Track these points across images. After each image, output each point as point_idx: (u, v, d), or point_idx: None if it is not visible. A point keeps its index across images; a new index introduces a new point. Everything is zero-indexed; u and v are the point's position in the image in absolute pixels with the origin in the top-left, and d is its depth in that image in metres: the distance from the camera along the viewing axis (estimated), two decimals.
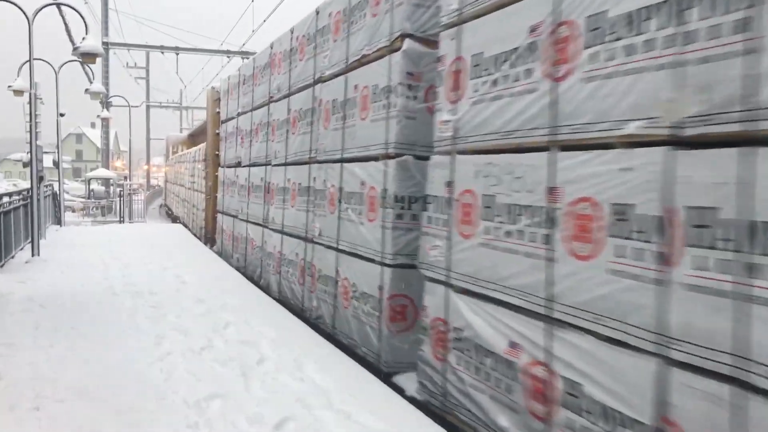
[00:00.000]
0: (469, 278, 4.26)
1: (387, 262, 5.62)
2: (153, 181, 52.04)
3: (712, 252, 2.55)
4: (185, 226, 20.62)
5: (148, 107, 45.77)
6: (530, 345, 3.64)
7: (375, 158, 5.94)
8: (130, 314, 7.32)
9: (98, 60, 13.97)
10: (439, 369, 4.62)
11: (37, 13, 11.91)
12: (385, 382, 5.35)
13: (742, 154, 2.46)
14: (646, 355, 2.86)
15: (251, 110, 11.14)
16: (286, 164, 8.88)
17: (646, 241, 2.86)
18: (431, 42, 5.32)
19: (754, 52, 2.43)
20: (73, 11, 13.62)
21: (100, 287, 8.94)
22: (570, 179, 3.34)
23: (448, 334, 4.51)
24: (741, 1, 2.49)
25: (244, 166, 11.57)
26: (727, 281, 2.50)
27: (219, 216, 13.88)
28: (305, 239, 7.89)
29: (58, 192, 20.07)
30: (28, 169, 13.19)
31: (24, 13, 11.75)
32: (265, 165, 10.00)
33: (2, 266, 10.56)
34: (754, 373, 2.39)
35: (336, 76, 7.07)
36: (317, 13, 7.83)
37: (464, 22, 4.46)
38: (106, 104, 28.79)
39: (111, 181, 31.25)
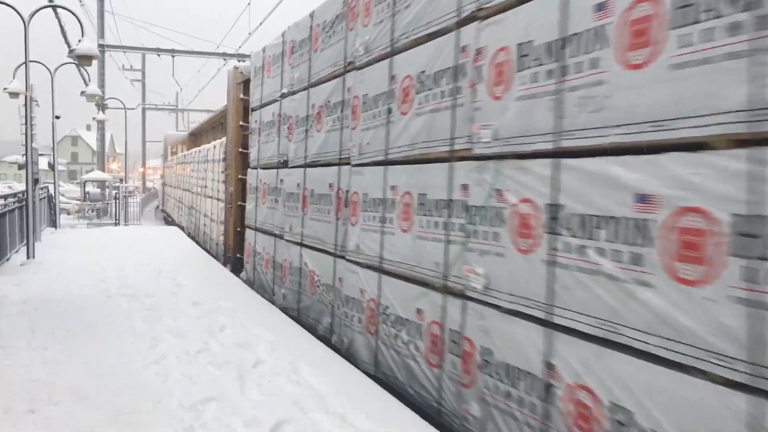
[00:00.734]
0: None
1: None
2: (149, 184, 51.97)
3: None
4: (193, 239, 17.76)
5: (144, 110, 45.74)
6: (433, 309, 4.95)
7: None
8: (125, 316, 7.32)
9: (94, 62, 13.96)
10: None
11: (33, 16, 11.91)
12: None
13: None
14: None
15: (307, 87, 7.90)
16: (386, 163, 5.72)
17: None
18: None
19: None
20: (69, 13, 13.61)
21: (95, 290, 8.92)
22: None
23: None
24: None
25: (294, 167, 8.31)
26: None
27: (249, 233, 10.52)
28: (446, 290, 4.72)
29: (53, 194, 20.03)
30: (23, 172, 13.17)
31: (20, 15, 11.74)
32: (338, 165, 6.88)
33: None
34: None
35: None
36: None
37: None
38: (102, 106, 28.72)
39: (107, 183, 31.16)
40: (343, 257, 6.56)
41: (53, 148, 20.31)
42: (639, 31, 3.06)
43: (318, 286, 7.36)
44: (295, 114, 8.30)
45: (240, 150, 11.71)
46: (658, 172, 2.93)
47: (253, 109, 10.54)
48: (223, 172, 13.01)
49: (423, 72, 5.09)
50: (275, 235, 9.05)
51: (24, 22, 11.74)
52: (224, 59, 29.69)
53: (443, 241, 4.72)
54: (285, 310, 8.25)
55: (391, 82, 5.62)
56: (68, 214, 27.51)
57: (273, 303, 8.69)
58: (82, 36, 12.14)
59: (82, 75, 21.91)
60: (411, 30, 5.32)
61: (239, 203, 11.67)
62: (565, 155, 3.53)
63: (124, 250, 13.60)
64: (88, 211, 27.86)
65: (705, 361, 2.67)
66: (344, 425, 4.34)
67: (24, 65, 12.26)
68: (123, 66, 39.79)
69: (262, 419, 4.39)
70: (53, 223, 19.63)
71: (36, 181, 12.85)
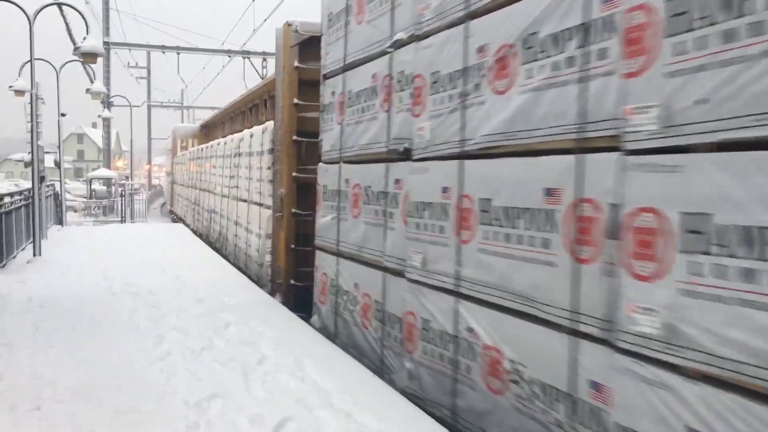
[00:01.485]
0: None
1: None
2: (155, 181, 52.09)
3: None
4: (218, 251, 14.07)
5: (149, 107, 45.77)
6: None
7: None
8: (129, 314, 7.32)
9: (99, 60, 13.98)
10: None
11: (38, 13, 11.92)
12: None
13: None
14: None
15: (466, 17, 4.56)
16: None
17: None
18: None
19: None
20: (75, 11, 13.62)
21: (100, 288, 8.93)
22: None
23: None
24: None
25: (432, 158, 4.98)
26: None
27: (325, 258, 7.14)
28: None
29: (59, 192, 20.08)
30: (29, 169, 13.19)
31: (25, 13, 11.75)
32: (574, 152, 3.57)
33: (4, 266, 10.56)
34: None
35: None
36: None
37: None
38: (108, 104, 28.79)
39: (112, 180, 31.24)
40: (605, 342, 3.24)
41: (59, 146, 20.34)
42: None
43: (514, 382, 3.96)
44: (431, 69, 4.94)
45: (294, 138, 8.80)
46: None
47: (325, 77, 7.24)
48: (269, 167, 9.79)
49: None
50: (385, 269, 5.73)
51: (29, 20, 11.74)
52: (229, 56, 29.70)
53: None
54: (417, 398, 5.01)
55: None
56: (74, 211, 27.61)
57: (380, 375, 5.56)
58: (87, 34, 12.16)
59: (87, 73, 21.94)
60: None
61: (293, 211, 8.81)
62: None
63: (130, 248, 13.61)
64: (94, 209, 27.95)
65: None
66: (349, 422, 4.32)
67: (29, 63, 12.27)
68: (128, 63, 39.85)
69: (266, 416, 4.38)
70: (59, 221, 19.69)
71: (42, 179, 12.87)
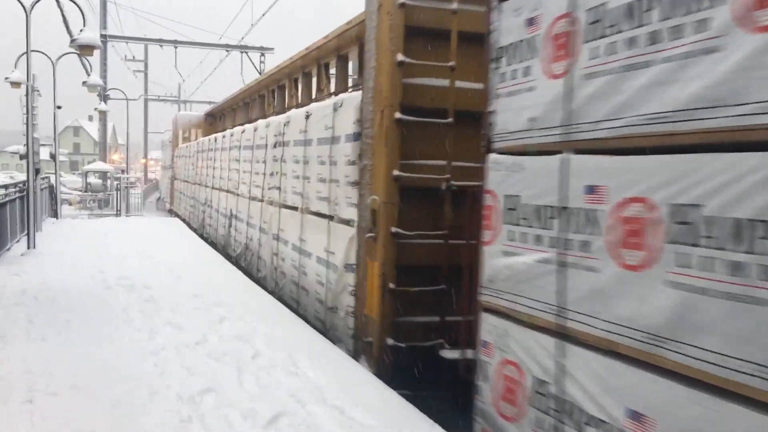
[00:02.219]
0: None
1: None
2: (151, 175, 51.98)
3: None
4: (246, 272, 10.62)
5: (146, 101, 45.66)
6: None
7: None
8: (123, 308, 7.30)
9: (96, 53, 13.93)
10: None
11: (34, 5, 11.86)
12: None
13: None
14: None
15: None
16: None
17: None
18: None
19: None
20: (72, 3, 13.56)
21: (95, 281, 8.91)
22: None
23: None
24: None
25: None
26: None
27: (513, 331, 3.77)
28: None
29: (54, 185, 20.02)
30: (24, 162, 13.15)
31: (22, 5, 11.70)
32: None
33: None
34: None
35: None
36: None
37: None
38: (104, 97, 28.67)
39: (108, 174, 31.14)
40: None
41: (55, 139, 20.28)
42: None
43: None
44: None
45: (398, 116, 5.70)
46: None
47: None
48: (351, 162, 6.54)
49: None
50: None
51: (26, 12, 11.69)
52: (227, 51, 29.60)
53: None
54: None
55: None
56: (69, 204, 27.52)
57: None
58: (84, 26, 12.10)
59: (84, 65, 21.86)
60: None
61: (393, 230, 5.69)
62: None
63: (125, 241, 13.58)
64: (89, 202, 27.87)
65: None
66: (342, 418, 4.33)
67: (25, 55, 12.22)
68: (125, 57, 39.73)
69: (259, 411, 4.38)
70: (54, 214, 19.64)
71: (37, 172, 12.84)
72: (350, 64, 9.76)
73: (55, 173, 20.40)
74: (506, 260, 3.81)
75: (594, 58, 3.18)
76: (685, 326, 2.64)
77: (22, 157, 16.66)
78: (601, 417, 3.05)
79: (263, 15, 22.73)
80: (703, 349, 2.56)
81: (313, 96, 10.21)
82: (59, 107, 19.08)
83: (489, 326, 3.98)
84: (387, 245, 5.65)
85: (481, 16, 4.51)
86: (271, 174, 9.71)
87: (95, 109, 29.02)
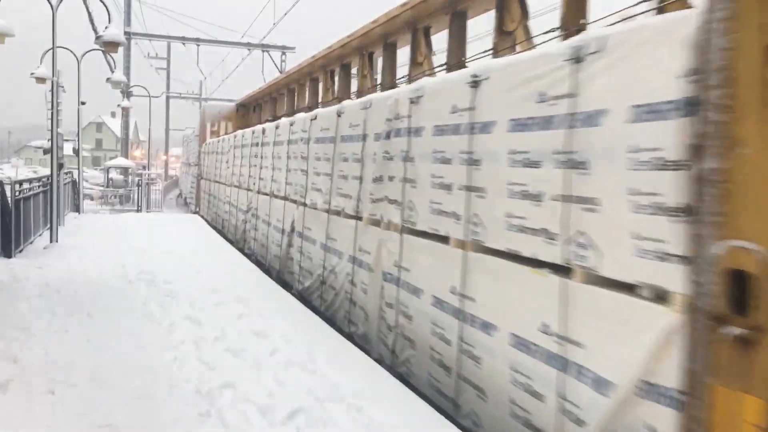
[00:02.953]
0: None
1: None
2: (171, 172, 52.37)
3: None
4: (320, 313, 7.81)
5: (168, 98, 46.00)
6: None
7: None
8: (144, 302, 7.37)
9: (120, 50, 14.05)
10: None
11: (61, 2, 12.00)
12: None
13: None
14: None
15: None
16: None
17: None
18: None
19: None
20: (97, 0, 13.71)
21: (116, 275, 9.00)
22: None
23: None
24: None
25: None
26: None
27: None
28: None
29: (77, 180, 20.24)
30: (48, 157, 13.31)
31: (48, 2, 11.84)
32: None
33: (21, 251, 10.67)
34: None
35: None
36: None
37: None
38: (127, 94, 28.97)
39: (130, 170, 31.45)
40: None
41: (78, 134, 20.52)
42: None
43: None
44: None
45: None
46: None
47: None
48: (674, 165, 3.04)
49: None
50: None
51: (52, 8, 11.84)
52: (248, 49, 29.78)
53: None
54: None
55: None
56: (91, 199, 27.83)
57: None
58: (109, 23, 12.21)
59: (108, 62, 22.08)
60: None
61: None
62: None
63: (146, 236, 13.70)
64: (110, 197, 28.15)
65: None
66: (359, 415, 4.33)
67: (51, 51, 12.37)
68: (148, 54, 40.07)
69: (277, 407, 4.40)
70: (76, 208, 19.85)
71: (60, 166, 12.97)
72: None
73: (78, 168, 20.62)
74: None
75: None
76: None
77: (45, 152, 16.84)
78: None
79: (285, 14, 22.84)
80: None
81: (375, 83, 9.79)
82: (83, 103, 19.31)
83: None
84: None
85: None
86: (376, 179, 6.49)
87: (118, 105, 29.34)
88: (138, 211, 24.09)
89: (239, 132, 14.96)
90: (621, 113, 3.31)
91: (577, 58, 3.65)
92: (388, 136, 6.19)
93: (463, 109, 4.83)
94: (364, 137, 6.87)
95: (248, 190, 13.27)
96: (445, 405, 4.88)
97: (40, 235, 12.55)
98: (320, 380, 4.97)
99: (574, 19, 5.60)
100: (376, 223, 6.45)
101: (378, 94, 7.15)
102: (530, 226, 4.00)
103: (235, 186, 14.88)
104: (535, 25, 6.66)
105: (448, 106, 5.05)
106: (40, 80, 16.08)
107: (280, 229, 10.31)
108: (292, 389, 4.74)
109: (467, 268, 4.73)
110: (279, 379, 4.94)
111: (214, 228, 16.53)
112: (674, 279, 2.92)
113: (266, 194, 11.61)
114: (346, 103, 7.94)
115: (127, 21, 30.54)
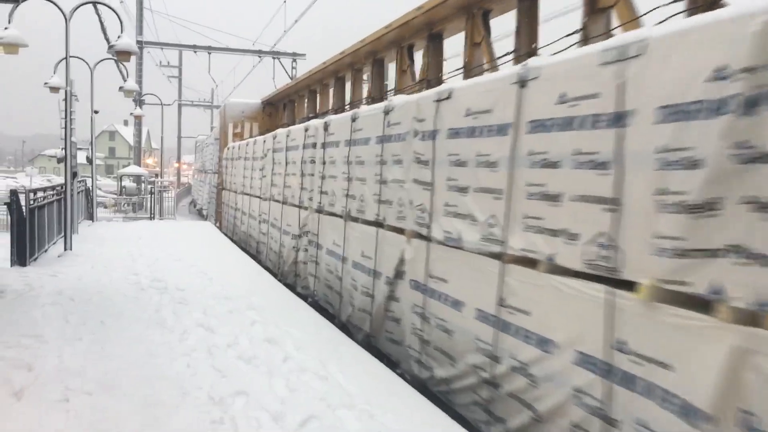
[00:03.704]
0: None
1: None
2: (183, 179, 52.66)
3: None
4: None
5: (179, 106, 46.31)
6: None
7: None
8: (156, 309, 7.39)
9: (132, 58, 14.15)
10: None
11: (74, 11, 12.11)
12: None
13: None
14: None
15: None
16: None
17: None
18: None
19: None
20: (109, 10, 13.82)
21: (129, 282, 9.04)
22: None
23: None
24: None
25: None
26: None
27: None
28: None
29: (91, 188, 20.38)
30: (61, 165, 13.41)
31: (62, 11, 11.95)
32: None
33: (35, 259, 10.74)
34: None
35: None
36: None
37: None
38: (140, 102, 29.16)
39: (142, 178, 31.64)
40: None
41: (92, 143, 20.65)
42: None
43: None
44: None
45: None
46: None
47: None
48: None
49: None
50: None
51: (65, 18, 11.94)
52: (259, 56, 29.90)
53: None
54: None
55: None
56: (105, 207, 28.01)
57: None
58: (122, 32, 12.31)
59: (120, 71, 22.25)
60: None
61: None
62: None
63: (159, 244, 13.76)
64: (124, 205, 28.31)
65: None
66: (372, 423, 4.32)
67: (65, 60, 12.48)
68: (160, 62, 40.37)
69: (289, 414, 4.39)
70: (90, 216, 19.98)
71: (74, 175, 13.07)
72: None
73: (92, 177, 20.76)
74: None
75: None
76: None
77: (59, 161, 16.96)
78: None
79: (296, 21, 22.93)
80: None
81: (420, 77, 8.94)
82: (96, 112, 19.44)
83: None
84: None
85: None
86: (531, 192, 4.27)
87: (131, 113, 29.52)
88: (151, 218, 24.21)
89: (282, 131, 11.62)
90: None
91: None
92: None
93: None
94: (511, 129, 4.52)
95: (299, 207, 10.02)
96: None
97: (54, 243, 12.64)
98: (332, 387, 4.96)
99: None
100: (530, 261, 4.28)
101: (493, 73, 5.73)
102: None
103: (276, 201, 11.78)
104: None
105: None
106: (54, 90, 16.25)
107: (370, 270, 6.98)
108: (305, 394, 4.74)
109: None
110: (291, 386, 4.94)
111: (244, 251, 13.88)
112: None
113: (334, 215, 8.27)
114: (484, 78, 5.51)
115: (139, 30, 30.77)
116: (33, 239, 10.69)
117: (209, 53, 30.46)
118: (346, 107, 12.26)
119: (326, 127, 8.83)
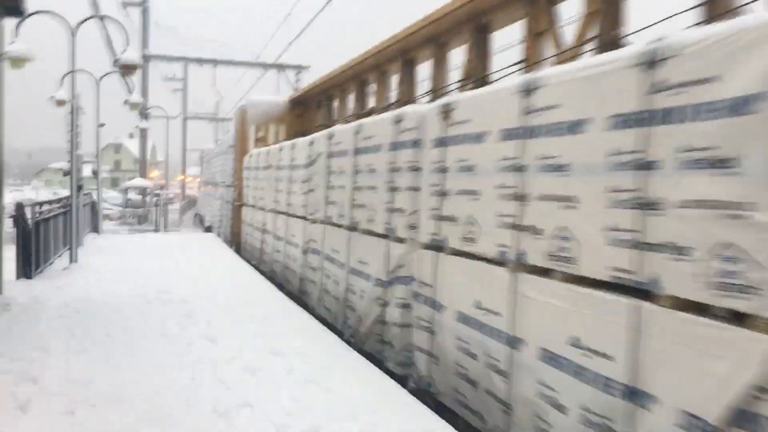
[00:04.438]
0: None
1: None
2: (188, 191, 52.80)
3: None
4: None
5: (185, 119, 46.50)
6: None
7: None
8: (161, 322, 7.41)
9: (138, 71, 14.24)
10: None
11: (80, 26, 12.21)
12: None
13: None
14: None
15: None
16: None
17: None
18: None
19: None
20: (116, 23, 13.92)
21: (133, 295, 9.06)
22: None
23: None
24: None
25: None
26: None
27: None
28: None
29: (96, 200, 20.47)
30: (67, 178, 13.48)
31: (69, 25, 12.05)
32: None
33: (41, 272, 10.79)
34: None
35: None
36: None
37: None
38: (145, 115, 29.32)
39: (147, 190, 31.76)
40: None
41: (97, 156, 20.76)
42: None
43: None
44: None
45: None
46: None
47: None
48: None
49: None
50: None
51: (72, 32, 12.04)
52: (264, 69, 30.07)
53: None
54: None
55: None
56: (110, 219, 28.11)
57: None
58: (127, 46, 12.41)
59: (126, 84, 22.40)
60: None
61: None
62: None
63: (164, 256, 13.79)
64: (129, 218, 28.41)
65: None
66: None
67: (70, 74, 12.57)
68: (165, 76, 40.60)
69: (294, 426, 4.40)
70: (96, 229, 20.05)
71: (80, 188, 13.14)
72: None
73: (98, 189, 20.85)
74: None
75: None
76: None
77: (65, 174, 17.03)
78: None
79: (299, 35, 23.03)
80: None
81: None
82: (102, 125, 19.55)
83: None
84: None
85: None
86: None
87: (136, 126, 29.69)
88: (156, 230, 24.28)
89: (345, 127, 8.36)
90: None
91: None
92: None
93: None
94: None
95: (388, 237, 6.55)
96: None
97: (59, 256, 12.69)
98: (336, 399, 4.96)
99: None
100: None
101: None
102: None
103: (336, 224, 8.29)
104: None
105: None
106: (60, 103, 16.35)
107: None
108: (309, 406, 4.75)
109: None
110: (296, 398, 4.95)
111: (278, 285, 10.76)
112: None
113: (475, 257, 4.97)
114: None
115: (145, 43, 30.98)
116: (38, 252, 10.74)
117: (214, 66, 30.67)
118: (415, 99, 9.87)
119: (447, 112, 5.47)
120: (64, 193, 24.14)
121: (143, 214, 28.80)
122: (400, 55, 10.21)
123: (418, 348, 5.87)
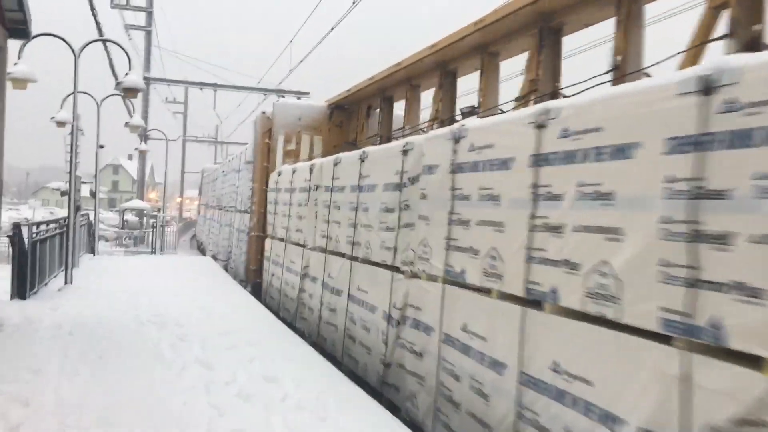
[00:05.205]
0: None
1: None
2: (185, 214, 52.82)
3: None
4: None
5: (184, 141, 46.68)
6: None
7: None
8: (155, 344, 7.37)
9: (139, 94, 14.32)
10: None
11: (83, 49, 12.31)
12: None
13: None
14: None
15: None
16: None
17: None
18: None
19: None
20: (118, 47, 14.04)
21: (128, 317, 9.02)
22: None
23: None
24: None
25: None
26: None
27: None
28: None
29: (93, 221, 20.44)
30: (65, 198, 13.48)
31: (71, 48, 12.15)
32: None
33: (35, 293, 10.74)
34: None
35: None
36: None
37: None
38: (145, 137, 29.42)
39: (145, 212, 31.75)
40: None
41: (96, 177, 20.77)
42: None
43: None
44: None
45: None
46: None
47: None
48: None
49: None
50: None
51: (74, 54, 12.14)
52: (264, 94, 30.28)
53: None
54: None
55: None
56: (106, 240, 28.05)
57: None
58: (130, 69, 12.50)
59: (126, 106, 22.52)
60: None
61: None
62: None
63: (160, 279, 13.75)
64: (125, 239, 28.36)
65: None
66: None
67: (72, 96, 12.65)
68: (166, 98, 40.85)
69: None
70: (92, 250, 20.00)
71: (77, 209, 13.14)
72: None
73: (95, 210, 20.84)
74: None
75: None
76: None
77: (63, 194, 17.05)
78: None
79: (301, 62, 23.28)
80: None
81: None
82: (102, 146, 19.58)
83: None
84: None
85: None
86: None
87: (135, 148, 29.76)
88: (152, 252, 24.23)
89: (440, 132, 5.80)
90: None
91: None
92: None
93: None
94: None
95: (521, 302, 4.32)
96: None
97: (54, 276, 12.64)
98: (330, 427, 4.93)
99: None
100: None
101: None
102: None
103: (456, 283, 5.22)
104: None
105: None
106: (61, 124, 16.40)
107: None
108: None
109: None
110: (289, 425, 4.91)
111: (319, 349, 8.29)
112: None
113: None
114: None
115: (147, 66, 31.22)
116: (34, 272, 10.70)
117: (215, 90, 30.88)
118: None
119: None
120: (61, 212, 24.10)
121: (140, 235, 28.77)
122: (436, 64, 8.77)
123: None
